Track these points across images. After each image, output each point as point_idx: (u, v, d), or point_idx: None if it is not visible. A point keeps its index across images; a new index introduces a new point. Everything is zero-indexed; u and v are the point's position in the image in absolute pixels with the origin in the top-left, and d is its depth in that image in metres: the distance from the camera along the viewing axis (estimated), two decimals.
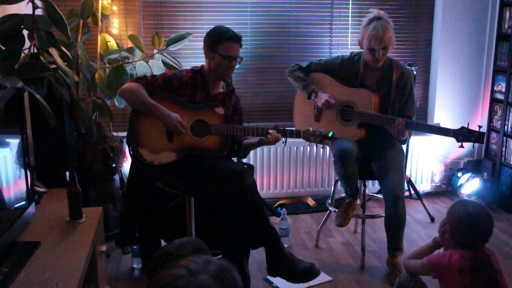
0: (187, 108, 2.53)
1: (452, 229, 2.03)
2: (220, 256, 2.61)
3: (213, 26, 2.61)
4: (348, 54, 3.05)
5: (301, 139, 2.56)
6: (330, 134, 2.54)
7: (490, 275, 1.99)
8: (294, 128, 2.62)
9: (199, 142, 2.51)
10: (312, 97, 3.01)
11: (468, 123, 2.74)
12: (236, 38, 2.53)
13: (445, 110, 4.16)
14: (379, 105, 2.91)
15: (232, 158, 2.73)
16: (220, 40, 2.51)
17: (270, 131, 2.52)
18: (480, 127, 2.68)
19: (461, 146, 2.68)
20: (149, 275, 1.47)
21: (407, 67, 3.04)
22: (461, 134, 2.67)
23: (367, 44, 2.80)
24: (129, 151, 2.54)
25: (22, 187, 2.10)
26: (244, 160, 3.97)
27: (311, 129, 2.58)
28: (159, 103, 2.48)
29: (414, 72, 3.65)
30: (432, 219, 3.71)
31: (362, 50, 2.94)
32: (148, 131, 2.51)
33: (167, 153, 2.49)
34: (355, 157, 2.85)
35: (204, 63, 2.63)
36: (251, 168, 2.55)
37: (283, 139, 2.55)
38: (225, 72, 2.57)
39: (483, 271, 1.98)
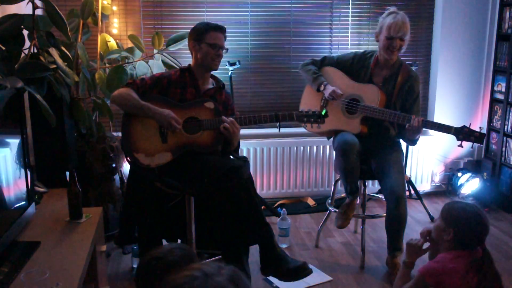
0: (177, 107, 2.54)
1: (458, 231, 1.99)
2: (219, 256, 2.61)
3: None
4: (362, 51, 3.09)
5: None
6: (323, 112, 2.55)
7: (495, 270, 1.99)
8: (286, 112, 2.59)
9: (193, 139, 2.52)
10: (321, 89, 3.02)
11: (470, 124, 2.73)
12: (221, 28, 2.61)
13: (445, 110, 4.16)
14: (385, 102, 2.92)
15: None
16: (205, 31, 2.58)
17: (227, 120, 2.48)
18: (481, 128, 2.69)
19: (460, 145, 2.68)
20: (137, 280, 1.45)
21: (415, 71, 3.04)
22: (462, 133, 2.67)
23: (386, 33, 2.81)
24: (125, 157, 2.54)
25: (22, 187, 2.10)
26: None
27: (304, 110, 2.60)
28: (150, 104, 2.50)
29: None
30: (432, 219, 3.70)
31: (376, 49, 2.96)
32: (141, 134, 2.52)
33: (162, 154, 2.49)
34: (357, 150, 2.84)
35: (191, 62, 2.67)
36: (246, 161, 2.57)
37: (277, 124, 2.56)
38: (213, 62, 2.61)
39: (489, 268, 1.97)
